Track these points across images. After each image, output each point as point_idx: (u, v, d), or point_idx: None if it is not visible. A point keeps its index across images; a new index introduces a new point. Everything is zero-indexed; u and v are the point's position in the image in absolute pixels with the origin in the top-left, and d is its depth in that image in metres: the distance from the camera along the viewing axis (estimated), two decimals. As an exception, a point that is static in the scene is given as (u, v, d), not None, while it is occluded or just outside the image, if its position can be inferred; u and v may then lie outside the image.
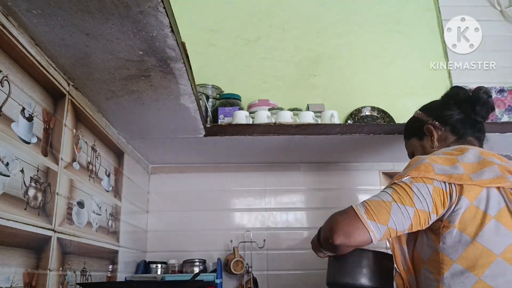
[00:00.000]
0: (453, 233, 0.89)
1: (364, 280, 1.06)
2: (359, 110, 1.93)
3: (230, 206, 1.91)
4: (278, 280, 1.80)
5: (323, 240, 1.00)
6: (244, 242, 1.79)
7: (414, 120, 1.22)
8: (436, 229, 0.92)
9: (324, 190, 1.92)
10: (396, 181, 0.93)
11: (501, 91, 1.96)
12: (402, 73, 2.04)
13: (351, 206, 0.93)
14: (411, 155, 1.22)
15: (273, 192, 1.93)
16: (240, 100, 1.79)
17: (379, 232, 0.88)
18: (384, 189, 0.94)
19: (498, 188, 0.90)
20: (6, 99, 0.82)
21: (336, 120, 1.65)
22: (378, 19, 2.12)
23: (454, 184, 0.89)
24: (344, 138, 1.59)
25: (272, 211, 1.91)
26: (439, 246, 0.90)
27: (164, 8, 0.77)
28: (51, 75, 1.00)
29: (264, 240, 1.80)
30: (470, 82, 1.98)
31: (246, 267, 1.73)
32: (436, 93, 2.03)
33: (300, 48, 2.06)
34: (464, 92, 1.13)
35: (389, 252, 1.07)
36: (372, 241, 0.89)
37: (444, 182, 0.90)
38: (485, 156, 0.95)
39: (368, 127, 1.57)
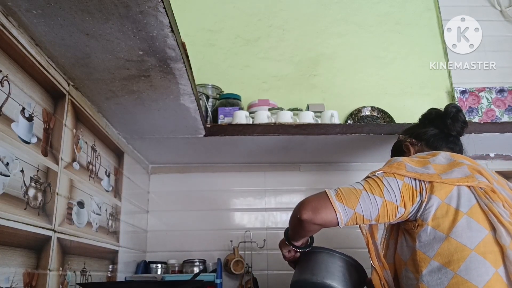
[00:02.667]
0: (427, 230, 0.92)
1: (333, 282, 1.05)
2: (359, 110, 1.93)
3: (230, 206, 1.91)
4: (278, 280, 1.80)
5: (292, 219, 1.04)
6: (244, 242, 1.79)
7: (396, 142, 1.31)
8: (411, 229, 0.96)
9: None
10: (369, 175, 1.00)
11: (501, 91, 1.96)
12: (402, 73, 2.04)
13: (324, 190, 0.98)
14: None
15: (273, 192, 1.93)
16: (240, 100, 1.79)
17: (346, 215, 0.93)
18: (358, 181, 1.00)
19: (469, 186, 0.94)
20: (6, 99, 0.82)
21: (336, 120, 1.65)
22: (378, 19, 2.12)
23: (424, 182, 0.94)
24: (344, 138, 1.60)
25: (272, 211, 1.91)
26: (416, 245, 0.94)
27: (164, 8, 0.77)
28: (51, 75, 1.00)
29: (264, 240, 1.80)
30: (470, 82, 1.99)
31: (246, 267, 1.73)
32: (436, 93, 2.05)
33: (300, 48, 2.06)
34: (436, 111, 1.22)
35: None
36: (338, 223, 0.94)
37: (414, 179, 0.95)
38: (456, 158, 1.01)
39: (368, 127, 1.57)
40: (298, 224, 1.00)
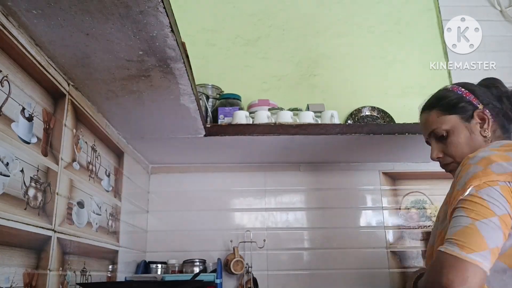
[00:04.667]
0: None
1: None
2: (359, 110, 1.93)
3: (230, 206, 1.91)
4: (278, 280, 1.80)
5: None
6: (244, 242, 1.79)
7: (460, 97, 1.05)
8: None
9: (324, 190, 1.92)
10: (462, 198, 0.81)
11: (501, 91, 1.96)
12: (402, 73, 2.04)
13: (441, 252, 0.79)
14: (445, 132, 1.04)
15: (273, 192, 1.93)
16: (240, 100, 1.79)
17: (486, 259, 0.75)
18: (453, 215, 0.82)
19: None
20: (6, 99, 0.82)
21: (336, 120, 1.65)
22: (378, 19, 2.12)
23: None
24: (344, 138, 1.59)
25: (272, 211, 1.91)
26: None
27: (164, 8, 0.77)
28: (51, 75, 1.00)
29: (264, 240, 1.80)
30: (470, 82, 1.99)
31: (246, 267, 1.73)
32: (436, 93, 2.05)
33: (300, 48, 2.06)
34: (504, 86, 1.06)
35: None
36: (486, 274, 0.76)
37: (509, 182, 0.80)
38: None
39: (368, 127, 1.57)
40: None
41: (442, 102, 1.06)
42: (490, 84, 1.06)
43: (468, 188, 0.81)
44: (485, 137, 1.00)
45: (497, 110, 1.01)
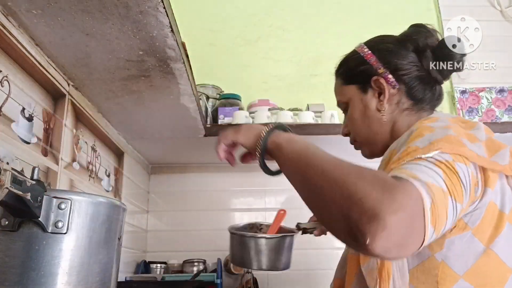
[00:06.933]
0: (466, 237, 0.62)
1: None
2: (359, 110, 1.93)
3: (230, 206, 1.91)
4: (278, 280, 1.80)
5: (337, 205, 0.53)
6: (244, 242, 1.79)
7: (360, 61, 0.83)
8: None
9: (324, 190, 1.92)
10: (425, 157, 0.57)
11: (501, 91, 1.96)
12: (402, 73, 2.04)
13: (411, 185, 0.51)
14: (344, 106, 0.88)
15: (273, 192, 1.93)
16: (240, 100, 1.79)
17: (429, 241, 0.53)
18: (422, 161, 0.57)
19: (507, 177, 0.65)
20: (6, 99, 0.82)
21: (336, 120, 1.65)
22: (378, 19, 2.12)
23: (480, 170, 0.61)
24: (344, 138, 1.59)
25: (272, 211, 1.90)
26: (440, 253, 0.63)
27: (164, 8, 0.77)
28: (51, 75, 1.00)
29: (264, 240, 1.80)
30: (470, 82, 1.99)
31: (246, 267, 1.73)
32: (436, 93, 2.05)
33: (300, 48, 2.06)
34: (429, 36, 0.80)
35: None
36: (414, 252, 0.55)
37: (475, 166, 0.60)
38: (490, 134, 0.68)
39: (368, 127, 1.57)
40: (354, 245, 0.54)
41: (342, 69, 0.87)
42: (407, 37, 0.82)
43: (436, 150, 0.57)
44: (379, 111, 0.80)
45: (408, 73, 0.78)
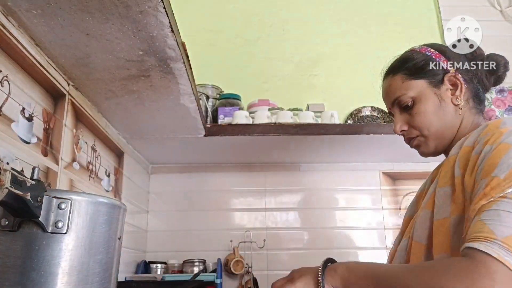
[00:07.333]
0: None
1: None
2: (359, 110, 1.93)
3: (230, 206, 1.91)
4: (278, 280, 1.80)
5: None
6: (244, 242, 1.79)
7: (428, 59, 0.89)
8: None
9: (324, 190, 1.92)
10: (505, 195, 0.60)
11: (501, 91, 1.96)
12: (402, 73, 2.04)
13: (488, 256, 0.56)
14: (411, 100, 0.88)
15: (273, 192, 1.93)
16: (240, 100, 1.79)
17: None
18: (505, 200, 0.60)
19: None
20: (6, 99, 0.82)
21: (336, 120, 1.65)
22: (378, 19, 2.12)
23: None
24: (344, 138, 1.60)
25: (272, 211, 1.91)
26: None
27: (164, 8, 0.77)
28: (51, 75, 1.00)
29: (264, 240, 1.80)
30: (470, 82, 1.99)
31: (246, 267, 1.73)
32: (436, 93, 2.05)
33: (300, 48, 2.06)
34: (479, 48, 0.92)
35: None
36: None
37: None
38: None
39: (368, 127, 1.57)
40: None
41: (407, 65, 0.90)
42: (482, 55, 0.93)
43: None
44: (456, 105, 0.85)
45: (470, 75, 0.87)
